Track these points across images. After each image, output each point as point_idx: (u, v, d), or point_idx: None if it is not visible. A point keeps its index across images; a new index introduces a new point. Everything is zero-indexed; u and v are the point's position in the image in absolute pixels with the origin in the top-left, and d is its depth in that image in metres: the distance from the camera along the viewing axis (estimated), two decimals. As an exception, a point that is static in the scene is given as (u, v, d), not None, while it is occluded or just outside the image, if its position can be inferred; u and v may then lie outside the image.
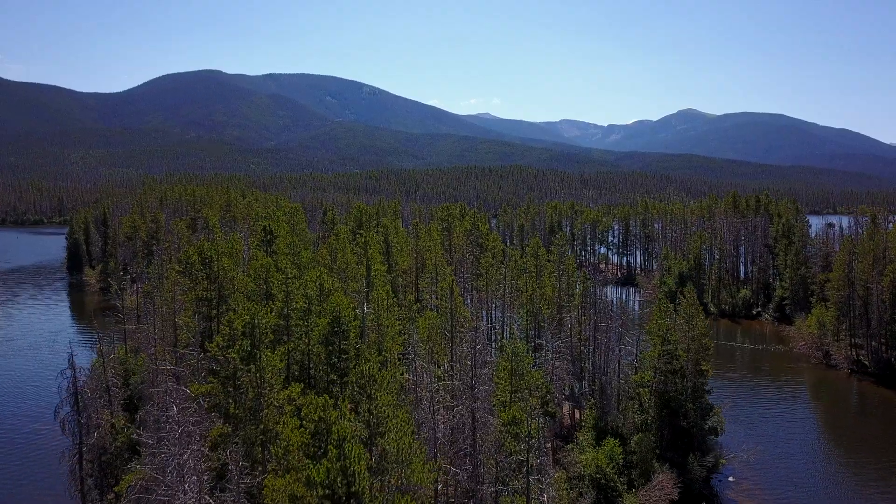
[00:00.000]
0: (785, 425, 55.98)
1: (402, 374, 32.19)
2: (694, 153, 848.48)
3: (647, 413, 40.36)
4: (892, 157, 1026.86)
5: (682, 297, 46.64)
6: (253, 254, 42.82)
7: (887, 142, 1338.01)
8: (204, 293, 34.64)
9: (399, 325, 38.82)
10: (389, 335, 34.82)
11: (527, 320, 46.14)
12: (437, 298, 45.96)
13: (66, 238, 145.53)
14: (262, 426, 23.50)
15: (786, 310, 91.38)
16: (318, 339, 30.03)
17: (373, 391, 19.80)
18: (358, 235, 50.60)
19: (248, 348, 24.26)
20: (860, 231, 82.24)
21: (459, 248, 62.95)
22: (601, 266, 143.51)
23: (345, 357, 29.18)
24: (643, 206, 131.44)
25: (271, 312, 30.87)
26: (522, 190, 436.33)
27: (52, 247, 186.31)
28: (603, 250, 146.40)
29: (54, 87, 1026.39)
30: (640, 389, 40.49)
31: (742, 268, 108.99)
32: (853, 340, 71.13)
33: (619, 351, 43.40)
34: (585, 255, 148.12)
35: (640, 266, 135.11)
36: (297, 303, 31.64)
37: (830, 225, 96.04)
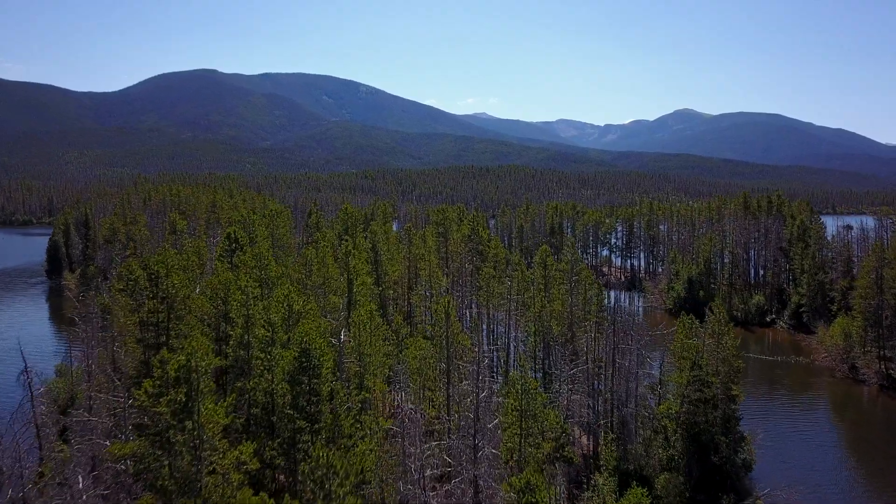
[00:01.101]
0: (814, 450, 50.73)
1: (385, 421, 26.83)
2: (691, 153, 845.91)
3: (673, 448, 35.02)
4: (889, 156, 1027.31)
5: (709, 312, 41.28)
6: (214, 267, 37.16)
7: (883, 142, 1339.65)
8: (149, 316, 29.09)
9: (386, 346, 33.31)
10: (373, 366, 29.31)
11: (535, 341, 40.65)
12: (431, 322, 39.99)
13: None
14: (199, 502, 18.14)
15: (803, 317, 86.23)
16: (282, 377, 24.56)
17: (332, 486, 14.49)
18: (344, 241, 45.09)
19: (183, 399, 18.85)
20: (886, 234, 77.11)
21: (457, 255, 56.96)
22: (604, 269, 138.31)
23: (315, 399, 23.76)
24: (647, 207, 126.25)
25: (228, 343, 25.46)
26: (520, 190, 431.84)
27: (38, 248, 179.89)
28: (605, 253, 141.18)
29: (50, 86, 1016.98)
30: (666, 422, 35.15)
31: (752, 272, 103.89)
32: (882, 353, 65.94)
33: (639, 374, 38.01)
34: (587, 258, 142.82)
35: (645, 269, 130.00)
36: (258, 330, 26.14)
37: (848, 227, 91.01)
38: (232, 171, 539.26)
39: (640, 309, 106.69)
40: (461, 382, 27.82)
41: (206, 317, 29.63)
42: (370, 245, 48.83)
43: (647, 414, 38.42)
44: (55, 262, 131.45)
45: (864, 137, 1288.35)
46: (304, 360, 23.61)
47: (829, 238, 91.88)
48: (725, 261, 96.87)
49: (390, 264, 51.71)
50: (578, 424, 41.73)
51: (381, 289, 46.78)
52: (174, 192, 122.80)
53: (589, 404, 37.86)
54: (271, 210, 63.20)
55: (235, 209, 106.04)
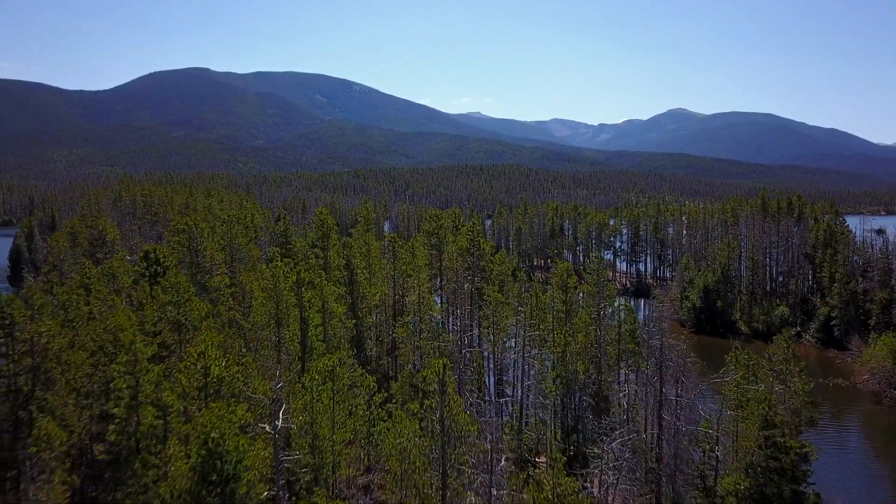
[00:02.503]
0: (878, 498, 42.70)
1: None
2: (685, 152, 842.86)
3: (737, 531, 26.68)
4: (882, 156, 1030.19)
5: (775, 347, 32.93)
6: (112, 302, 27.77)
7: (876, 142, 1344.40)
8: (-2, 381, 20.34)
9: (360, 405, 24.49)
10: (329, 454, 20.32)
11: (555, 390, 31.93)
12: (421, 386, 29.78)
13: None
14: None
15: (833, 332, 78.28)
16: (178, 492, 15.92)
17: None
18: (313, 256, 36.26)
19: None
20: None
21: (453, 272, 47.73)
22: (608, 274, 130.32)
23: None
24: (655, 209, 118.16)
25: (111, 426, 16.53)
26: (515, 189, 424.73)
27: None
28: (609, 256, 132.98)
29: (41, 84, 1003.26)
30: (733, 501, 26.77)
31: (769, 279, 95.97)
32: (938, 377, 58.09)
33: (684, 431, 29.61)
34: (589, 263, 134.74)
35: (652, 274, 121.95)
36: (145, 419, 17.43)
37: (881, 231, 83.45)
38: (224, 170, 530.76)
39: (651, 320, 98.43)
40: (466, 496, 19.27)
41: (82, 385, 20.63)
42: (344, 261, 39.27)
43: (693, 473, 29.98)
44: (17, 268, 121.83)
45: (857, 137, 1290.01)
46: (210, 467, 15.13)
47: (858, 243, 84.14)
48: (745, 267, 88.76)
49: (370, 285, 42.13)
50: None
51: (356, 320, 37.31)
52: (145, 191, 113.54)
53: (634, 490, 29.23)
54: (229, 215, 52.97)
55: (210, 210, 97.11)
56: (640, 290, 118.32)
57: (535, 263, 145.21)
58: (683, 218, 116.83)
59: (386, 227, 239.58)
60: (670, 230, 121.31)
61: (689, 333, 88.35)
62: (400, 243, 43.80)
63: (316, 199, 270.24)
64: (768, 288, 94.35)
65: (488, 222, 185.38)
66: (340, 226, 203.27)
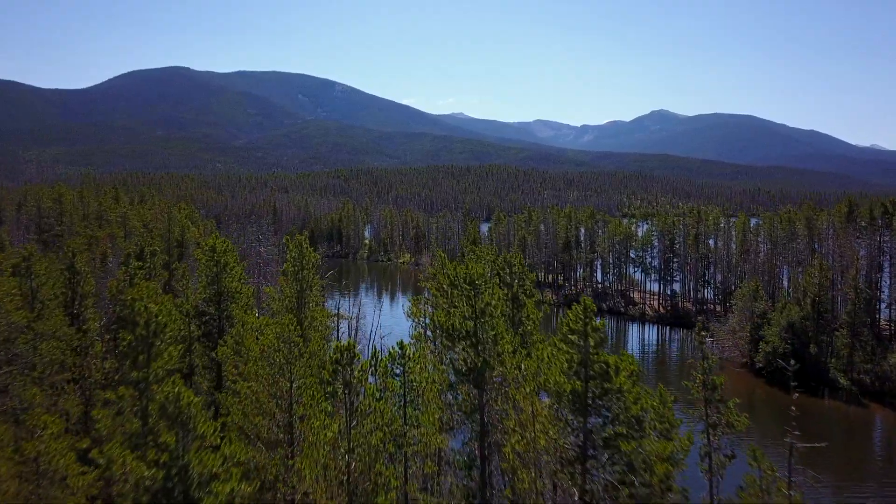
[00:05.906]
0: None
1: None
2: (669, 153, 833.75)
3: None
4: (861, 157, 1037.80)
5: None
6: None
7: (854, 143, 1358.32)
8: None
9: None
10: None
11: None
12: None
13: None
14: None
15: None
16: None
17: None
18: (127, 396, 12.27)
19: None
20: None
21: (526, 472, 13.71)
22: (634, 297, 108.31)
23: None
24: (695, 216, 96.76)
25: None
26: (504, 191, 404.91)
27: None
28: (636, 274, 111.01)
29: (15, 82, 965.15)
30: None
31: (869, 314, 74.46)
32: None
33: None
34: (609, 280, 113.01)
35: (691, 297, 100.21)
36: None
37: None
38: (203, 170, 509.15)
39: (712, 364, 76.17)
40: None
41: None
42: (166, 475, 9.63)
43: None
44: None
45: (837, 139, 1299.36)
46: None
47: None
48: (846, 299, 66.91)
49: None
50: None
51: None
52: (55, 194, 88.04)
53: None
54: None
55: (122, 225, 72.52)
56: (677, 317, 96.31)
57: (542, 280, 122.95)
58: (732, 230, 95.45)
59: (367, 233, 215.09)
60: (711, 242, 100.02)
61: (768, 387, 66.38)
62: (366, 374, 14.26)
63: (289, 202, 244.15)
64: (877, 327, 73.03)
65: (484, 228, 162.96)
66: (313, 238, 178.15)
